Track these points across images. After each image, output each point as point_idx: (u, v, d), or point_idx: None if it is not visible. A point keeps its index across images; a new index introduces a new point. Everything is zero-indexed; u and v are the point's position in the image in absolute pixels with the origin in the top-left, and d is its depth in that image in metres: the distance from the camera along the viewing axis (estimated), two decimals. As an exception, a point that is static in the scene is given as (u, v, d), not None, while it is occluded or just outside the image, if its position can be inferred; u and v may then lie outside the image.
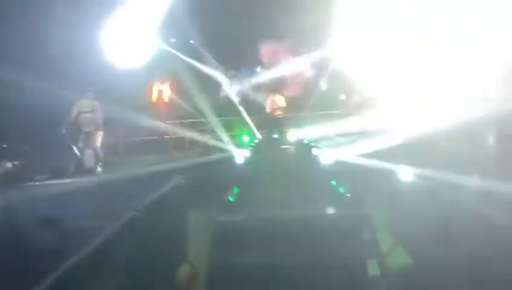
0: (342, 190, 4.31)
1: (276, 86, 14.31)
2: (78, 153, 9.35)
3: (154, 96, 13.31)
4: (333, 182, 4.75)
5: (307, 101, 15.02)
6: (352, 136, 10.92)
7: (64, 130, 9.24)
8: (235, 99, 15.73)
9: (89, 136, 9.32)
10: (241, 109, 15.21)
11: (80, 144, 9.28)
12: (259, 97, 14.76)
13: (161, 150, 13.06)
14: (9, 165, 8.90)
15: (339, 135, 12.61)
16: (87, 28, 10.37)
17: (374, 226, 3.80)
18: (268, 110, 12.58)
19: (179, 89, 14.71)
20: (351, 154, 7.92)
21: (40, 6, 10.21)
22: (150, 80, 14.09)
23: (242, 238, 3.94)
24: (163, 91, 13.45)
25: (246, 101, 15.81)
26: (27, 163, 9.02)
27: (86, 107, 9.32)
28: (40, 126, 9.68)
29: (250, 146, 9.18)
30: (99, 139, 9.44)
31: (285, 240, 3.82)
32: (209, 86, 15.30)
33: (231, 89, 15.70)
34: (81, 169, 9.38)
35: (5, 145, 9.69)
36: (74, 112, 9.26)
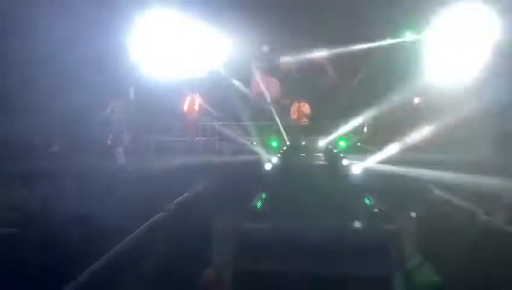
0: (370, 203, 4.24)
1: (301, 93, 14.11)
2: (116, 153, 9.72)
3: (185, 106, 13.51)
4: (362, 195, 4.68)
5: (333, 110, 14.81)
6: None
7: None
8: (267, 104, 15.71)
9: (120, 135, 9.63)
10: (273, 113, 15.19)
11: (109, 142, 9.54)
12: (286, 103, 14.68)
13: (191, 151, 13.07)
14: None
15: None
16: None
17: (402, 241, 3.72)
18: (294, 116, 12.50)
19: (212, 94, 14.86)
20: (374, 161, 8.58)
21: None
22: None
23: (267, 247, 3.94)
24: (194, 100, 13.60)
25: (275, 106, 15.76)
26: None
27: (119, 108, 9.62)
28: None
29: (279, 152, 9.15)
30: (127, 138, 9.74)
31: (312, 252, 3.79)
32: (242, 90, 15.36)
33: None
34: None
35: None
36: (108, 110, 9.59)
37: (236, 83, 14.94)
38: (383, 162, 9.51)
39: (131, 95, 9.71)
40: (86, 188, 6.23)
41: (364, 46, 13.76)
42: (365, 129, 12.83)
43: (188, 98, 13.27)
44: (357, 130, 14.09)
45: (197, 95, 13.60)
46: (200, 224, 5.22)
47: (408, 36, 13.35)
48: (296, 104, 12.57)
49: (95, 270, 2.29)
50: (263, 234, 3.93)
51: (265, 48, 15.09)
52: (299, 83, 14.95)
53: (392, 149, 10.95)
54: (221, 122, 13.77)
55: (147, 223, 3.08)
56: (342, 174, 6.40)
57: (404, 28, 13.02)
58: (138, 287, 3.17)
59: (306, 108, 12.53)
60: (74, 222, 4.70)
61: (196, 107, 13.83)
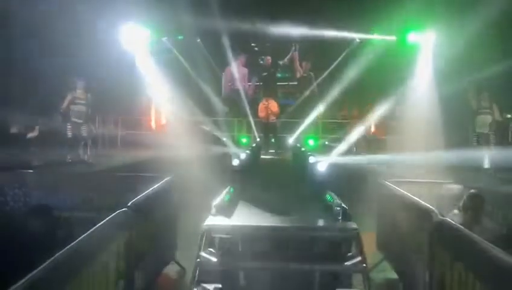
0: (333, 201, 4.31)
1: (270, 91, 14.00)
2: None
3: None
4: (326, 193, 4.75)
5: (300, 108, 14.85)
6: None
7: (60, 118, 9.35)
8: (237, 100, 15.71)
9: (79, 127, 9.38)
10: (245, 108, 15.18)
11: (69, 134, 9.32)
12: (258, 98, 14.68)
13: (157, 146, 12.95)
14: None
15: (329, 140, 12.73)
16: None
17: (361, 239, 3.80)
18: (261, 114, 12.47)
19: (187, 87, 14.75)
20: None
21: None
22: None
23: (230, 244, 3.95)
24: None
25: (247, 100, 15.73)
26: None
27: (78, 99, 9.35)
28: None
29: (248, 149, 9.18)
30: (87, 130, 9.54)
31: (275, 249, 3.83)
32: (215, 84, 15.30)
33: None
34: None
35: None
36: (66, 102, 9.31)
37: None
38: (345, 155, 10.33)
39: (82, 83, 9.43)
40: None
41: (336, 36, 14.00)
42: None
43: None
44: (326, 129, 14.41)
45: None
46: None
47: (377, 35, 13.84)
48: (264, 102, 12.58)
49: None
50: (226, 231, 3.93)
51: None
52: (272, 78, 15.02)
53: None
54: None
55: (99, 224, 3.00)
56: (308, 171, 6.48)
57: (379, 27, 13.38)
58: None
59: (274, 105, 12.56)
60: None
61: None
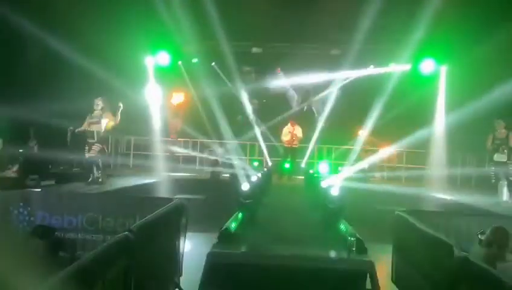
0: (348, 231, 4.08)
1: (295, 116, 14.30)
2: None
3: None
4: (341, 223, 4.52)
5: (319, 134, 15.08)
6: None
7: (69, 138, 9.39)
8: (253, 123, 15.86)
9: (92, 146, 9.43)
10: (257, 133, 15.28)
11: (86, 153, 9.39)
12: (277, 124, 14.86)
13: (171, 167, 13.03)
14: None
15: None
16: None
17: (376, 274, 3.55)
18: (285, 138, 12.42)
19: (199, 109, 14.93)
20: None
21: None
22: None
23: (236, 273, 3.74)
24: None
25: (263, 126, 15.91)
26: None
27: (94, 118, 9.46)
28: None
29: (260, 173, 8.99)
30: (99, 150, 9.53)
31: (285, 281, 3.60)
32: (229, 107, 15.46)
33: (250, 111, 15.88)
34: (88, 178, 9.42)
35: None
36: (86, 123, 9.43)
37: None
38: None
39: (100, 104, 9.51)
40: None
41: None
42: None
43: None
44: (338, 154, 14.34)
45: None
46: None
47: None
48: (290, 126, 12.53)
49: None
50: (233, 259, 3.72)
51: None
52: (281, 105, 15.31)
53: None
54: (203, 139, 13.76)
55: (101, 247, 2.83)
56: (321, 198, 6.26)
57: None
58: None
59: (299, 131, 12.51)
60: None
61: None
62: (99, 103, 9.50)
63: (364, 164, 12.42)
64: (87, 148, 9.46)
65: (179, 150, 14.76)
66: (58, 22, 10.12)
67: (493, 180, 9.02)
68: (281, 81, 16.54)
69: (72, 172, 10.39)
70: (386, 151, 13.26)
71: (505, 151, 8.80)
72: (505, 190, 8.72)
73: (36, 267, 4.50)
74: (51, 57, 10.50)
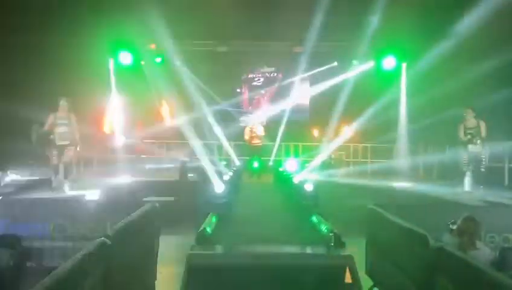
0: (325, 227, 4.11)
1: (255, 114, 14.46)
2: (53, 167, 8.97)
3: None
4: (316, 219, 4.56)
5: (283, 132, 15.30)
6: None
7: (34, 140, 8.69)
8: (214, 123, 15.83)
9: (62, 150, 8.85)
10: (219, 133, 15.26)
11: (54, 161, 8.76)
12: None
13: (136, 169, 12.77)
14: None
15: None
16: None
17: (356, 268, 3.61)
18: (246, 137, 12.44)
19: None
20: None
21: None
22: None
23: (215, 273, 3.69)
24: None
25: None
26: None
27: (61, 119, 8.86)
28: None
29: (230, 172, 8.95)
30: (72, 154, 8.99)
31: (265, 279, 3.58)
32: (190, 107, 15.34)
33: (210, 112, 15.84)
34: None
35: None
36: (49, 123, 8.77)
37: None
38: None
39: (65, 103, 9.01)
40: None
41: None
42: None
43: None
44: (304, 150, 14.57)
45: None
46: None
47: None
48: (250, 125, 12.57)
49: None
50: (213, 259, 3.67)
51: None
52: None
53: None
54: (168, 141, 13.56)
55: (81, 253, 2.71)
56: (293, 194, 6.30)
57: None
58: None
59: (259, 129, 12.55)
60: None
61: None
62: (65, 104, 8.93)
63: (328, 149, 12.77)
64: (55, 152, 8.73)
65: (145, 152, 14.45)
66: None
67: (464, 169, 9.16)
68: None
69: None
70: (347, 131, 13.62)
71: (479, 142, 8.99)
72: (468, 180, 9.04)
73: (3, 280, 4.28)
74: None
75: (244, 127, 13.11)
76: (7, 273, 4.31)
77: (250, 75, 17.76)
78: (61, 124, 8.76)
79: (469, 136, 9.02)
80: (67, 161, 8.91)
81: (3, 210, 5.61)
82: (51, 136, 8.69)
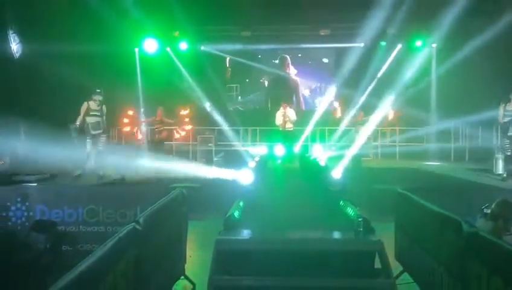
0: (353, 212, 4.06)
1: (287, 99, 14.32)
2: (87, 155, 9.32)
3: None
4: (345, 204, 4.51)
5: (313, 116, 15.16)
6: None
7: (73, 135, 9.22)
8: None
9: (96, 138, 9.37)
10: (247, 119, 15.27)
11: (88, 146, 9.26)
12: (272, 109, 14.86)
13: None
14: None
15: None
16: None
17: (386, 253, 3.56)
18: (279, 122, 12.34)
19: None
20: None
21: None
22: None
23: (243, 258, 3.72)
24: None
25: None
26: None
27: (93, 111, 9.30)
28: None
29: (257, 158, 8.95)
30: (104, 141, 9.54)
31: (293, 264, 3.58)
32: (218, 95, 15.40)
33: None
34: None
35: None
36: (82, 112, 9.29)
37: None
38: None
39: (99, 96, 9.37)
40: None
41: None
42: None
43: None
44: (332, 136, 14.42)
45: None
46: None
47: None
48: (282, 110, 12.44)
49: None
50: (240, 245, 3.70)
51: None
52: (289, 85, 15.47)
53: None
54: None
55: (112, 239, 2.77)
56: (320, 180, 6.24)
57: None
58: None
59: (292, 113, 12.42)
60: None
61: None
62: (99, 96, 9.42)
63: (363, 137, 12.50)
64: (89, 140, 9.23)
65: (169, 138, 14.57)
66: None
67: (509, 153, 8.77)
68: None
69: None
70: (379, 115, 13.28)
71: None
72: (501, 163, 8.74)
73: (40, 263, 4.46)
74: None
75: (276, 112, 12.98)
76: (44, 256, 4.47)
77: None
78: (94, 115, 9.22)
79: (509, 118, 8.67)
80: (101, 148, 9.40)
81: (39, 196, 5.81)
82: (85, 125, 9.14)
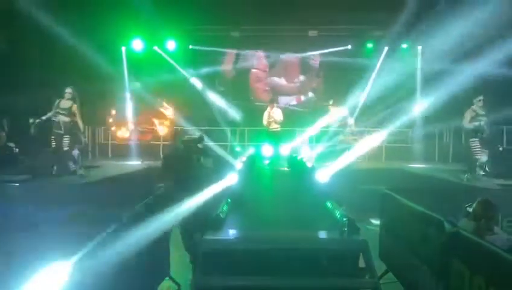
0: (339, 212, 4.09)
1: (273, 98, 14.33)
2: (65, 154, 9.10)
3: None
4: (330, 204, 4.53)
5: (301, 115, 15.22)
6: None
7: (32, 130, 8.81)
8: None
9: (59, 139, 8.97)
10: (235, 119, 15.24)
11: (53, 145, 8.93)
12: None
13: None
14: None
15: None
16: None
17: (370, 253, 3.58)
18: (265, 122, 12.28)
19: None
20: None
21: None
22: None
23: (228, 259, 3.71)
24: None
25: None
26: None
27: (62, 109, 8.94)
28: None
29: (244, 158, 8.95)
30: (69, 142, 9.03)
31: (279, 264, 3.58)
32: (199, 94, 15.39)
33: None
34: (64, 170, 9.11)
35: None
36: (51, 112, 8.89)
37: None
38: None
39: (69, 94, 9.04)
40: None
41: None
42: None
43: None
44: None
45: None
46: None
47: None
48: (269, 109, 12.39)
49: None
50: (226, 245, 3.69)
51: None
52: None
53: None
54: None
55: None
56: (307, 181, 6.27)
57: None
58: None
59: (278, 114, 12.35)
60: None
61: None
62: (69, 93, 8.95)
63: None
64: (53, 137, 8.87)
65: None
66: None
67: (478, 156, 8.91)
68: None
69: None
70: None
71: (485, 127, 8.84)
72: (483, 163, 8.85)
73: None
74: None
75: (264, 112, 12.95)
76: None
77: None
78: (60, 113, 8.84)
79: (479, 122, 8.83)
80: (65, 149, 9.00)
81: (23, 196, 5.72)
82: (53, 123, 8.81)
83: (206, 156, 9.69)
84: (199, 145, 6.44)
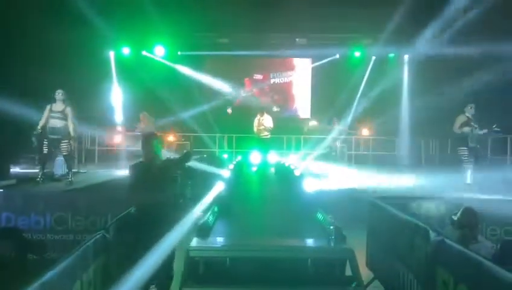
0: (326, 220, 4.10)
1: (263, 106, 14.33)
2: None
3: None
4: (318, 212, 4.55)
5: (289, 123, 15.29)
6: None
7: (33, 139, 8.43)
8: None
9: (56, 143, 8.57)
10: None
11: (45, 151, 8.52)
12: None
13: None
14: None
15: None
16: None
17: (357, 261, 3.60)
18: (255, 129, 12.26)
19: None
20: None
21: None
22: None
23: (215, 267, 3.69)
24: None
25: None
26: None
27: (55, 113, 8.53)
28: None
29: (232, 165, 8.93)
30: (66, 147, 8.64)
31: (264, 272, 3.58)
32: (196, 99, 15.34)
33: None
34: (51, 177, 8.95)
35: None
36: (44, 116, 8.52)
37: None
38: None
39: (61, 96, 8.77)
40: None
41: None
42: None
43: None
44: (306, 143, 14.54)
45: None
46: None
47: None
48: (259, 116, 12.35)
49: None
50: (212, 252, 3.67)
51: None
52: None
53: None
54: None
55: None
56: (295, 188, 6.29)
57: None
58: None
59: (268, 121, 12.33)
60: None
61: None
62: (61, 96, 8.52)
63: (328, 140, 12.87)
64: (46, 144, 8.39)
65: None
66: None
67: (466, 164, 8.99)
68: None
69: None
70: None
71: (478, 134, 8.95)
72: (470, 173, 8.95)
73: (4, 271, 4.30)
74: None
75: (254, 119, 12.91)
76: (8, 265, 4.32)
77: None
78: (54, 117, 8.48)
79: (470, 129, 8.92)
80: (64, 154, 8.75)
81: (5, 203, 5.61)
82: (46, 129, 8.43)
83: (186, 177, 9.05)
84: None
